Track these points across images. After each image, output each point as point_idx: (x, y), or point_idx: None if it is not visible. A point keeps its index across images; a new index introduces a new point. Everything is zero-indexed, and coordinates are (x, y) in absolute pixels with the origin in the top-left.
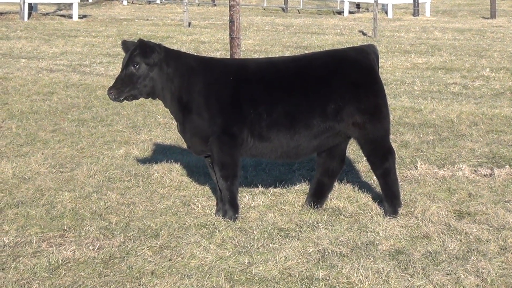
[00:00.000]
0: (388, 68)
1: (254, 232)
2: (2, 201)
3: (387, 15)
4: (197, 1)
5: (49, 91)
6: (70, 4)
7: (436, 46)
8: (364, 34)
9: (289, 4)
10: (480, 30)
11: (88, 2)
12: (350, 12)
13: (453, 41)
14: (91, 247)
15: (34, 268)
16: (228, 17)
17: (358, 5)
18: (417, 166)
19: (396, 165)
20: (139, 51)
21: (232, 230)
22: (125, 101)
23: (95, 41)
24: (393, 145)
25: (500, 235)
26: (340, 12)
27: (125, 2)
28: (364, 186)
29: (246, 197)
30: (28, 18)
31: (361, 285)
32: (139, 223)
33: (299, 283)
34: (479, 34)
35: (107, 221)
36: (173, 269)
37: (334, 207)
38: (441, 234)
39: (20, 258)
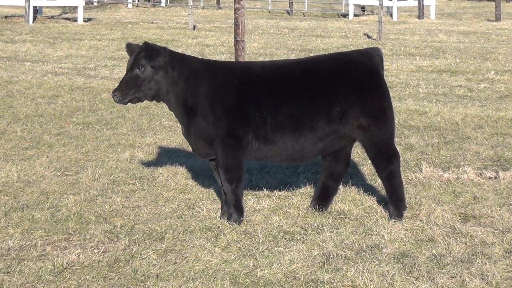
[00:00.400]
0: (393, 71)
1: (259, 235)
2: (7, 205)
3: (392, 17)
4: (202, 4)
5: (54, 94)
6: (75, 8)
7: (441, 48)
8: (369, 37)
9: (294, 7)
10: (485, 32)
11: (93, 5)
12: (355, 15)
13: (458, 43)
14: (96, 251)
15: (39, 271)
16: (233, 20)
17: (363, 8)
18: (422, 169)
19: (401, 168)
20: (145, 53)
21: (237, 233)
22: (129, 103)
23: (100, 45)
24: (398, 147)
25: (505, 238)
26: (345, 15)
27: (130, 6)
28: (369, 189)
29: (251, 200)
30: (33, 22)
31: None
32: (144, 226)
33: (304, 286)
34: (484, 37)
35: (112, 225)
36: (178, 273)
37: (339, 210)
38: (446, 237)
39: (25, 262)
